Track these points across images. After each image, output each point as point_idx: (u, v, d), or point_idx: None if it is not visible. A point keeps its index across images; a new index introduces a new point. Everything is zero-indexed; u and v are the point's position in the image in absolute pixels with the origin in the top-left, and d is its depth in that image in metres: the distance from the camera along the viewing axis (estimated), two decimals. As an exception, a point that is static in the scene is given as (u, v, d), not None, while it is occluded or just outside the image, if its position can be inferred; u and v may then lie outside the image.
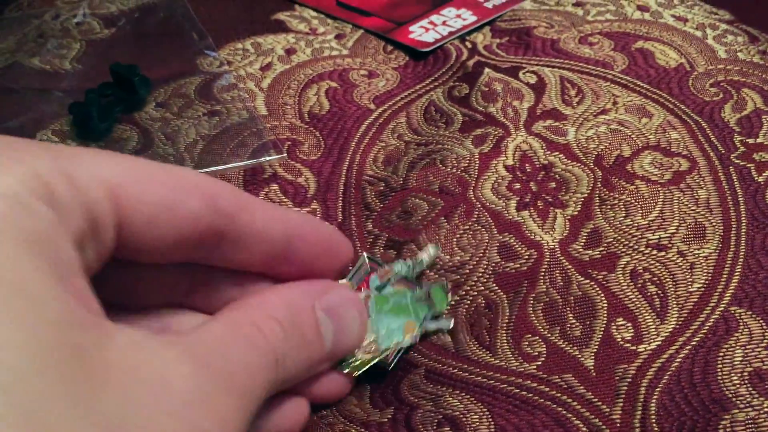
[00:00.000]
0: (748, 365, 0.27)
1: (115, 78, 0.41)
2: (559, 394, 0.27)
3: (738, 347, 0.28)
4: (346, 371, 0.26)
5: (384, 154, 0.37)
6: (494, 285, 0.31)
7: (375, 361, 0.26)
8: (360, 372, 0.26)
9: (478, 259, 0.32)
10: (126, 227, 0.17)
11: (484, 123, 0.39)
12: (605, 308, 0.30)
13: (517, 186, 0.35)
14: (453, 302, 0.30)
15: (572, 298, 0.30)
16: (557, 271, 0.31)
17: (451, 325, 0.29)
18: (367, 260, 0.29)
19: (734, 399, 0.26)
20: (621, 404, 0.26)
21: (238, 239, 0.20)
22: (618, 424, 0.26)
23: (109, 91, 0.40)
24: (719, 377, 0.27)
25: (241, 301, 0.21)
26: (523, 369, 0.28)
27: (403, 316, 0.28)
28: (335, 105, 0.41)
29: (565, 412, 0.26)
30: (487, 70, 0.43)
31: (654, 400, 0.26)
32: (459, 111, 0.40)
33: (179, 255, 0.19)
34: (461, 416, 0.26)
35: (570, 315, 0.29)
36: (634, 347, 0.28)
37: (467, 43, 0.46)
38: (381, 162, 0.37)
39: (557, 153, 0.37)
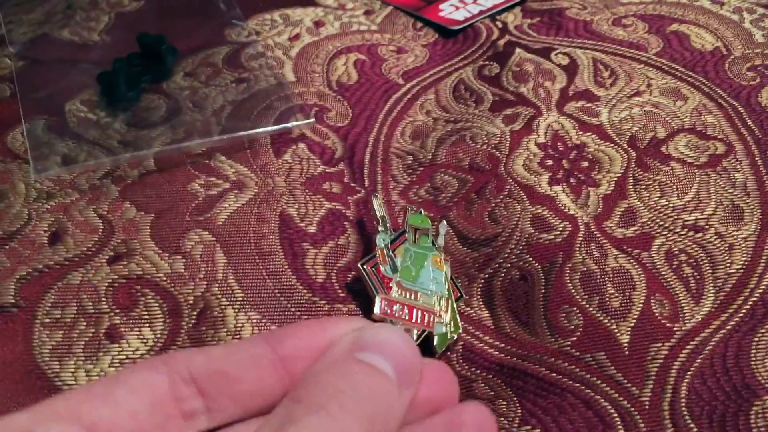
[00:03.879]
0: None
1: (142, 48, 0.40)
2: (588, 375, 0.26)
3: (774, 333, 0.27)
4: (442, 348, 0.27)
5: (412, 128, 0.37)
6: (528, 256, 0.30)
7: (455, 307, 0.28)
8: (453, 332, 0.27)
9: (510, 230, 0.31)
10: None
11: (515, 103, 0.38)
12: (644, 282, 0.29)
13: (550, 162, 0.34)
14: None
15: (610, 269, 0.29)
16: (593, 244, 0.30)
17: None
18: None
19: (767, 385, 0.26)
20: (651, 386, 0.26)
21: None
22: (647, 407, 0.25)
23: (137, 61, 0.40)
24: (753, 363, 0.26)
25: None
26: (557, 345, 0.27)
27: (424, 260, 0.29)
28: (363, 76, 0.40)
29: (593, 394, 0.26)
30: (518, 50, 0.42)
31: (685, 384, 0.26)
32: (489, 90, 0.39)
33: None
34: (489, 402, 0.26)
35: (609, 285, 0.29)
36: (671, 325, 0.28)
37: (498, 23, 0.45)
38: (409, 136, 0.36)
39: (590, 133, 0.36)
